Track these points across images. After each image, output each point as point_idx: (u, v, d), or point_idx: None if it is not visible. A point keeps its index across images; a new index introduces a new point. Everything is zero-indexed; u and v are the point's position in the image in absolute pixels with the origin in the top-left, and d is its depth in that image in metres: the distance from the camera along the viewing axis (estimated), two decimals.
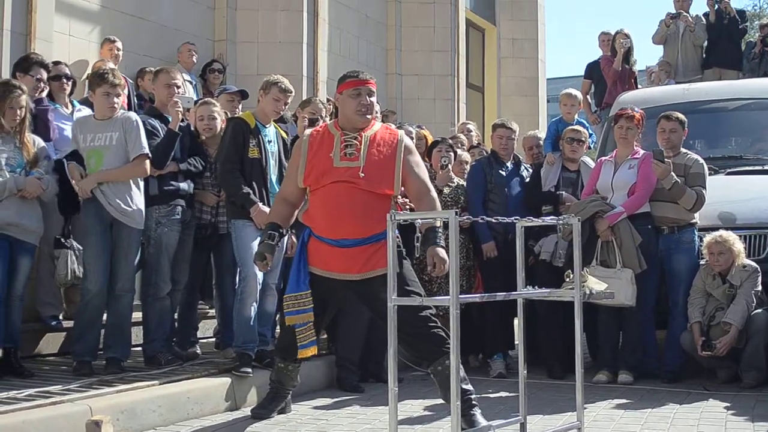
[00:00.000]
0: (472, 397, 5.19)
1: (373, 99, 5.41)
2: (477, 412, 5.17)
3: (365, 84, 5.39)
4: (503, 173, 7.87)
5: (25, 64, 6.96)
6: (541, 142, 8.88)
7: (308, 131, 5.53)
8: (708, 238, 7.06)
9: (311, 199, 5.34)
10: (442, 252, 5.18)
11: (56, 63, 7.51)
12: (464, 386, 5.08)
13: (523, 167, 8.12)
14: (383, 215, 4.80)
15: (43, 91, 6.97)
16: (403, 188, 5.43)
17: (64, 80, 7.33)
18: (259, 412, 5.74)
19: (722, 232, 7.03)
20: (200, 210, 6.91)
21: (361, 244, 5.21)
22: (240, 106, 7.90)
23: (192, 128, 6.97)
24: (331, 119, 7.66)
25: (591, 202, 7.27)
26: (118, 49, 9.13)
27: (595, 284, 5.20)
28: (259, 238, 6.29)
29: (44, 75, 6.96)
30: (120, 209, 6.14)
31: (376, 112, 6.13)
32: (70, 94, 7.50)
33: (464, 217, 7.19)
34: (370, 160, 5.26)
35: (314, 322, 5.33)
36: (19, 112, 6.03)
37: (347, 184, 5.19)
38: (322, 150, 5.31)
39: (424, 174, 5.48)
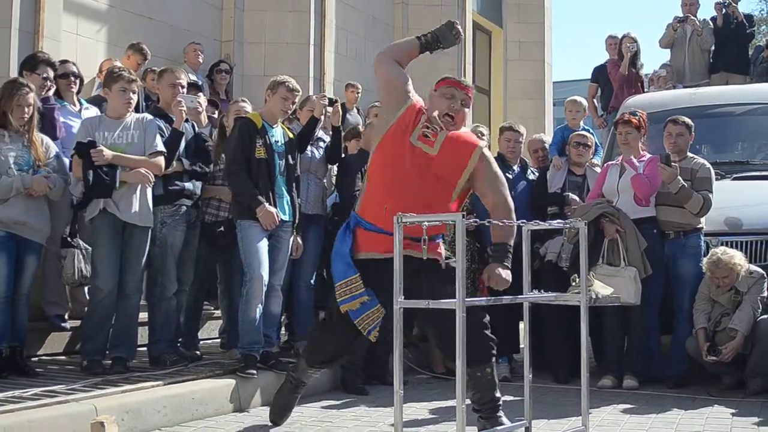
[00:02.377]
0: (500, 403, 5.12)
1: (466, 110, 5.19)
2: (502, 414, 5.11)
3: (462, 88, 5.19)
4: (510, 176, 7.85)
5: (32, 62, 6.97)
6: (546, 146, 8.87)
7: (417, 99, 5.24)
8: (707, 260, 6.96)
9: (374, 179, 5.12)
10: (501, 271, 5.06)
11: (64, 61, 7.51)
12: (497, 394, 5.09)
13: (529, 170, 8.11)
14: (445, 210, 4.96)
15: (50, 89, 6.97)
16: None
17: (72, 78, 7.33)
18: (278, 417, 5.64)
19: (719, 254, 6.91)
20: (218, 207, 6.91)
21: (416, 240, 4.83)
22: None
23: (197, 129, 6.97)
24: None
25: (596, 204, 7.27)
26: (146, 59, 9.10)
27: (601, 288, 5.20)
28: (265, 239, 6.30)
29: (51, 73, 6.96)
30: (132, 213, 6.16)
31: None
32: (78, 92, 7.49)
33: (471, 220, 7.17)
34: (444, 152, 5.05)
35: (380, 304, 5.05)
36: (27, 110, 6.03)
37: (415, 170, 5.00)
38: (404, 125, 5.10)
39: (501, 181, 5.24)
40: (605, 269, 6.95)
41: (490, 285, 5.14)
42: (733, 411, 6.19)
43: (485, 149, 5.27)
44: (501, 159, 8.00)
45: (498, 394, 5.10)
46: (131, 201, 6.17)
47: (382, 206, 4.93)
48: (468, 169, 5.11)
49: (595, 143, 8.48)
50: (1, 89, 6.08)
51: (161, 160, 6.30)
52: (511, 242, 5.11)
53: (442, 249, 5.22)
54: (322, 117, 7.25)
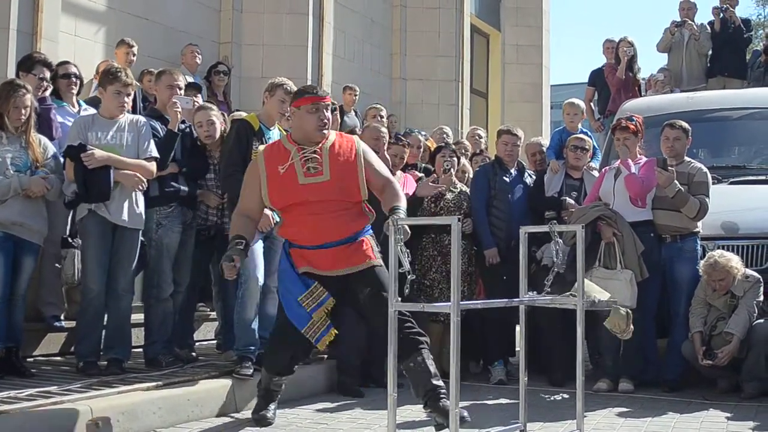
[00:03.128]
0: (442, 391, 5.07)
1: (329, 114, 5.44)
2: (446, 401, 5.02)
3: (323, 100, 5.38)
4: (507, 179, 7.86)
5: (28, 63, 6.95)
6: (544, 149, 8.87)
7: (261, 147, 5.58)
8: (703, 263, 6.99)
9: (285, 216, 5.41)
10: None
11: (65, 62, 7.51)
12: (435, 382, 5.07)
13: (527, 174, 8.12)
14: (359, 215, 5.36)
15: (46, 90, 6.96)
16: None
17: (73, 79, 7.33)
18: (261, 418, 5.69)
19: (716, 257, 6.94)
20: (206, 212, 6.92)
21: (343, 243, 5.30)
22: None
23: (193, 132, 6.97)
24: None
25: (593, 207, 7.28)
26: (134, 54, 9.12)
27: (599, 293, 5.22)
28: (261, 241, 6.31)
29: (47, 74, 6.94)
30: (123, 217, 6.16)
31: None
32: (77, 94, 7.50)
33: (467, 224, 7.24)
34: (335, 172, 5.29)
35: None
36: (24, 111, 6.03)
37: (319, 202, 5.23)
38: (282, 167, 5.31)
39: (383, 167, 5.55)
40: (601, 272, 6.97)
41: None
42: (729, 415, 6.20)
43: (362, 142, 5.57)
44: (498, 162, 8.01)
45: (436, 382, 5.07)
46: (121, 203, 6.16)
47: (304, 233, 5.32)
48: (360, 167, 5.34)
49: (593, 146, 8.49)
50: None
51: (153, 166, 6.30)
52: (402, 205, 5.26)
53: (372, 244, 5.41)
54: None
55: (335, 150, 5.37)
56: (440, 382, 5.10)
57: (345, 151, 5.39)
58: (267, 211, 5.96)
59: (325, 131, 5.37)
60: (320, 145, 5.35)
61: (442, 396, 5.01)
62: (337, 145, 5.40)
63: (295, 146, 5.36)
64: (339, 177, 5.30)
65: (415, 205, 7.36)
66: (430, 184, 7.51)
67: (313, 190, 5.24)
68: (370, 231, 5.48)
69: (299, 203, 5.26)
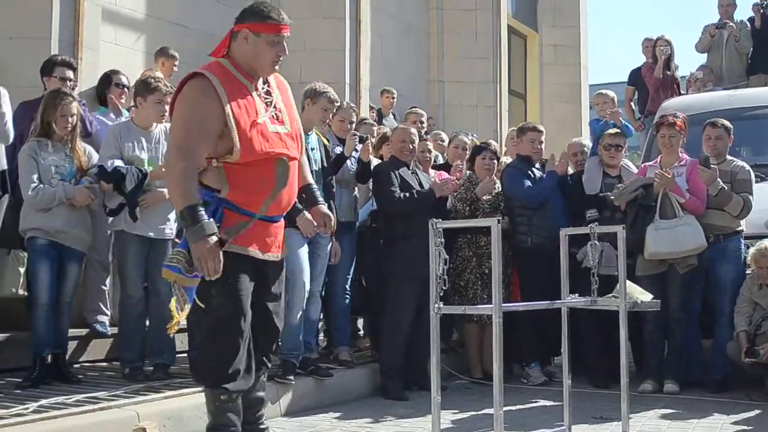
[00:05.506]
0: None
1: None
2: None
3: (286, 30, 4.37)
4: (531, 174, 7.87)
5: (47, 66, 6.94)
6: (586, 149, 8.83)
7: (207, 73, 4.27)
8: (753, 251, 6.98)
9: (238, 170, 4.22)
10: (326, 209, 4.74)
11: (115, 72, 7.57)
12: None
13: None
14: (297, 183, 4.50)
15: (72, 88, 6.95)
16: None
17: (124, 90, 7.42)
18: None
19: (766, 243, 6.94)
20: None
21: (282, 218, 4.52)
22: None
23: None
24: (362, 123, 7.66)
25: (631, 184, 7.28)
26: (175, 65, 9.16)
27: (641, 294, 5.18)
28: (306, 246, 6.32)
29: (68, 73, 6.90)
30: (158, 229, 6.24)
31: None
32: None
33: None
34: (292, 122, 4.46)
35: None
36: (70, 119, 6.10)
37: (289, 159, 4.37)
38: (245, 107, 4.25)
39: None
40: (664, 223, 7.00)
41: (326, 230, 4.80)
42: None
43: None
44: (526, 159, 7.98)
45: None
46: (156, 215, 6.22)
47: (262, 195, 4.29)
48: (297, 112, 4.61)
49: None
50: (44, 100, 6.16)
51: None
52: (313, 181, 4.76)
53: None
54: (354, 153, 7.20)
55: (283, 95, 4.51)
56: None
57: (288, 99, 4.54)
58: (308, 215, 5.42)
59: (277, 69, 4.44)
60: (269, 82, 4.44)
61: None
62: (280, 89, 4.51)
63: (249, 80, 4.35)
64: (295, 131, 4.47)
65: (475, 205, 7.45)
66: (438, 181, 7.38)
67: (280, 143, 4.32)
68: None
69: (272, 158, 4.28)
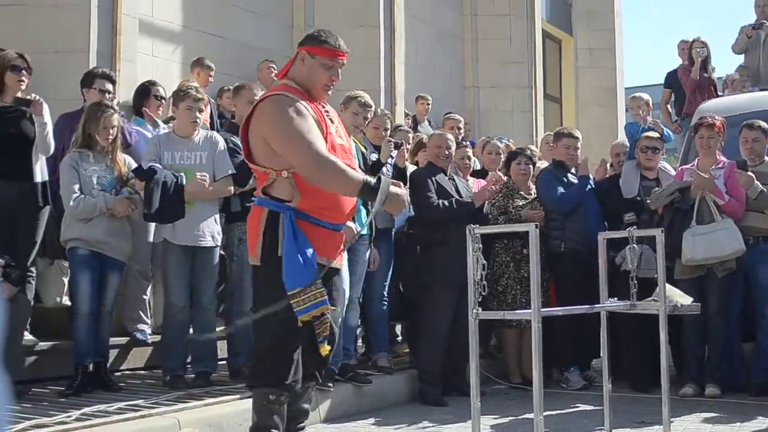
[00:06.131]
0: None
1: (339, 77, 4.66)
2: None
3: (343, 57, 4.60)
4: (565, 180, 7.86)
5: (87, 79, 7.02)
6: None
7: (282, 92, 4.47)
8: None
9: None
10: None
11: (153, 83, 7.65)
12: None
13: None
14: None
15: (111, 100, 7.03)
16: None
17: (162, 101, 7.50)
18: None
19: None
20: None
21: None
22: None
23: None
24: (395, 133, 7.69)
25: (667, 187, 7.23)
26: (211, 76, 9.24)
27: (680, 297, 5.15)
28: (345, 252, 6.32)
29: (108, 86, 6.98)
30: (198, 239, 6.28)
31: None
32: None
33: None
34: (345, 136, 4.74)
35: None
36: (112, 131, 6.18)
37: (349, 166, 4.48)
38: (319, 119, 4.45)
39: None
40: (701, 228, 6.95)
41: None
42: None
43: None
44: (561, 165, 7.97)
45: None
46: (197, 224, 6.27)
47: (338, 202, 4.46)
48: None
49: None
50: (86, 112, 6.25)
51: (230, 183, 6.39)
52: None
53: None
54: (390, 159, 7.20)
55: (333, 111, 4.71)
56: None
57: (338, 115, 4.82)
58: (350, 223, 5.38)
59: (329, 94, 4.65)
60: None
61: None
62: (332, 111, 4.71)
63: (313, 103, 4.50)
64: (350, 144, 4.76)
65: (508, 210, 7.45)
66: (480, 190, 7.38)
67: (344, 154, 4.52)
68: None
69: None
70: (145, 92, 7.54)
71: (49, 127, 6.23)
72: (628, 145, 8.84)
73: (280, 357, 4.34)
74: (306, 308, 4.24)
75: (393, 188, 4.32)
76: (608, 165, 8.55)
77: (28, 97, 6.14)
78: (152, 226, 6.51)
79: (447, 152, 7.23)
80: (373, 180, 4.33)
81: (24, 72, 6.20)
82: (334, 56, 4.52)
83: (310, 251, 4.28)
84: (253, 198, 4.67)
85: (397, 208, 4.43)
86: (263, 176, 4.44)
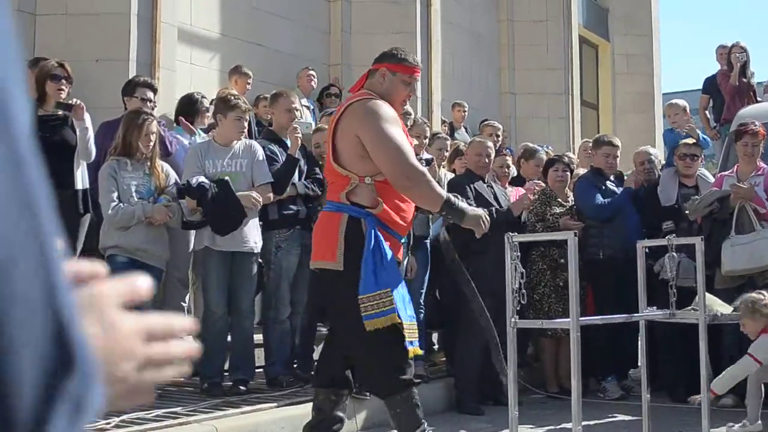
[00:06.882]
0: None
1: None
2: None
3: (419, 74, 4.88)
4: (603, 188, 7.81)
5: (129, 87, 7.09)
6: (653, 157, 8.69)
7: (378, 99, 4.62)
8: None
9: (389, 188, 4.51)
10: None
11: (202, 95, 7.68)
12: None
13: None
14: None
15: (152, 109, 7.08)
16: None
17: (208, 111, 7.55)
18: None
19: None
20: None
21: None
22: None
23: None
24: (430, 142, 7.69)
25: (705, 198, 7.16)
26: (249, 83, 9.28)
27: (720, 306, 5.11)
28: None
29: (149, 94, 7.04)
30: (239, 245, 6.30)
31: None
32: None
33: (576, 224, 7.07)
34: None
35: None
36: (152, 138, 6.22)
37: None
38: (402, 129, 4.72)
39: None
40: (741, 238, 6.87)
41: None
42: None
43: None
44: (599, 172, 7.93)
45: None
46: (238, 231, 6.29)
47: (408, 214, 4.65)
48: None
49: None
50: (125, 119, 6.29)
51: (269, 190, 6.42)
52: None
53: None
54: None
55: None
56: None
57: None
58: None
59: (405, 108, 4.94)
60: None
61: None
62: None
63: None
64: None
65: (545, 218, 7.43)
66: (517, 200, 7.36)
67: None
68: None
69: None
70: (192, 103, 7.57)
71: (90, 132, 6.30)
72: (651, 152, 8.77)
73: (395, 354, 4.40)
74: (373, 314, 4.31)
75: (474, 217, 4.52)
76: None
77: (70, 101, 6.21)
78: (192, 233, 6.55)
79: (486, 160, 7.21)
80: (453, 197, 4.56)
81: (64, 81, 6.26)
82: (412, 73, 4.73)
83: (390, 256, 4.39)
84: (319, 205, 4.74)
85: (477, 226, 4.54)
86: (344, 181, 4.50)
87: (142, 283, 0.89)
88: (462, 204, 4.59)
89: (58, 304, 0.72)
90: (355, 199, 4.45)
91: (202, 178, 6.16)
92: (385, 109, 4.52)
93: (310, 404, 5.93)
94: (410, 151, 4.50)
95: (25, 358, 0.69)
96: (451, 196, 4.57)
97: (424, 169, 4.55)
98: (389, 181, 4.43)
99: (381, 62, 4.74)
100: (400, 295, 4.40)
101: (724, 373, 5.49)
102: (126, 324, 0.85)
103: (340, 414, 4.71)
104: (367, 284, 4.30)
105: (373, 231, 4.36)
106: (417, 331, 4.54)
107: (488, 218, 4.63)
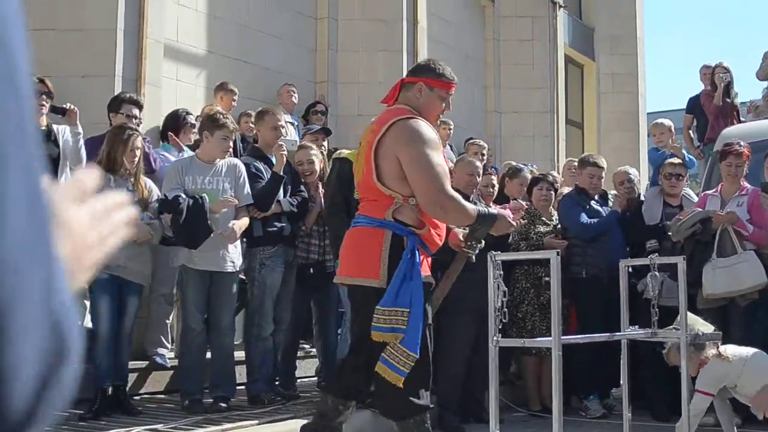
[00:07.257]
0: None
1: None
2: None
3: (453, 89, 4.81)
4: (597, 208, 7.83)
5: (114, 103, 7.09)
6: (632, 176, 8.71)
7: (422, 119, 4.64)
8: None
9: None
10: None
11: (188, 113, 7.72)
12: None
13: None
14: None
15: (138, 125, 7.07)
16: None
17: (194, 128, 7.56)
18: None
19: None
20: (307, 249, 6.98)
21: None
22: (326, 143, 8.12)
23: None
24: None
25: (688, 219, 7.18)
26: (234, 100, 9.29)
27: (702, 326, 5.13)
28: None
29: (135, 111, 7.05)
30: (218, 264, 6.29)
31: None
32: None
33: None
34: None
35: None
36: (137, 153, 6.21)
37: None
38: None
39: None
40: (722, 261, 6.88)
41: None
42: None
43: None
44: (584, 192, 7.95)
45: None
46: (217, 250, 6.29)
47: (443, 231, 4.69)
48: None
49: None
50: (109, 135, 6.28)
51: (246, 217, 6.42)
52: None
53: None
54: None
55: None
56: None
57: None
58: None
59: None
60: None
61: None
62: None
63: None
64: None
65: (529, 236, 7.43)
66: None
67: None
68: None
69: None
70: (177, 119, 7.58)
71: (82, 137, 6.29)
72: (630, 171, 8.80)
73: (416, 383, 4.38)
74: (382, 327, 4.30)
75: (500, 211, 4.70)
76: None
77: (64, 106, 6.20)
78: (172, 250, 6.53)
79: (477, 179, 7.25)
80: (483, 209, 4.67)
81: (44, 97, 6.25)
82: (449, 88, 4.70)
83: (420, 276, 4.38)
84: (355, 220, 4.69)
85: (505, 227, 4.70)
86: (387, 200, 4.48)
87: (87, 176, 0.97)
88: (491, 211, 4.70)
89: (56, 296, 0.77)
90: (400, 217, 4.47)
91: (179, 193, 6.16)
92: (428, 131, 4.50)
93: (292, 421, 5.95)
94: (446, 179, 4.48)
95: (23, 346, 0.73)
96: (480, 208, 4.64)
97: (457, 196, 4.55)
98: (421, 208, 4.44)
99: (418, 76, 4.71)
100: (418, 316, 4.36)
101: (683, 416, 5.39)
102: (77, 219, 0.93)
103: (341, 422, 4.70)
104: (388, 298, 4.31)
105: (413, 250, 4.39)
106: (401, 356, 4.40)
107: (510, 219, 4.76)
